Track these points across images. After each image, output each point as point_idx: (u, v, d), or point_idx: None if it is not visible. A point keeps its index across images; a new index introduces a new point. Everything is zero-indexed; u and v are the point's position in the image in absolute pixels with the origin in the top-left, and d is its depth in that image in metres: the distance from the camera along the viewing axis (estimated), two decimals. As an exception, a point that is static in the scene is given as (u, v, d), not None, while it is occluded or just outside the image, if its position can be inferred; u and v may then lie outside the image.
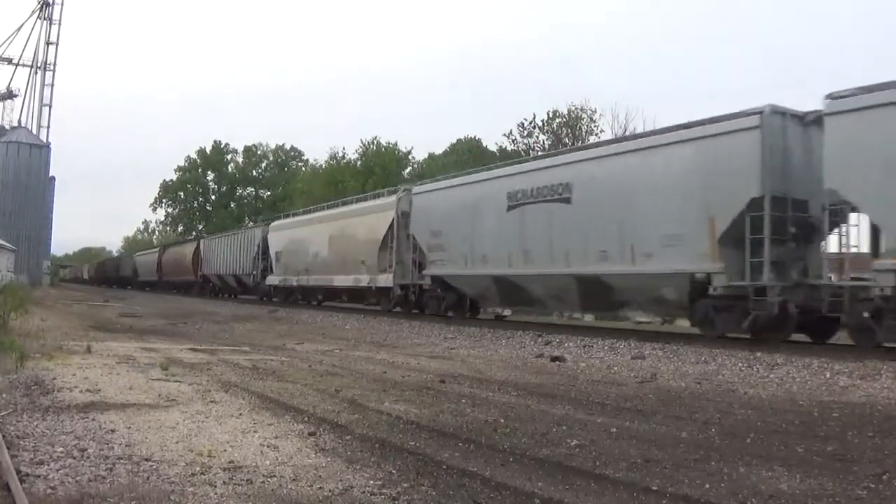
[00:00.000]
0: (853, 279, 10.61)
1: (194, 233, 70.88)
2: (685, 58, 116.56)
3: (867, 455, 4.80)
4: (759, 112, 11.26)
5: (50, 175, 58.71)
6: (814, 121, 11.11)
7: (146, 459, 4.27)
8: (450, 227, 18.28)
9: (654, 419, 6.12)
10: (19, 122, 58.91)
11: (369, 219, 22.76)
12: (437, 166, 54.47)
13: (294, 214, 31.76)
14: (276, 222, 32.52)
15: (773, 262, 11.00)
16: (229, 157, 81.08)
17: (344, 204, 26.82)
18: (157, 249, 56.60)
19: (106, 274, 78.69)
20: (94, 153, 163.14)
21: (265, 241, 32.03)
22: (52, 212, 61.21)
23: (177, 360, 9.56)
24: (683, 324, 16.52)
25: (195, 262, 42.64)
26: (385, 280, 21.19)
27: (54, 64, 58.66)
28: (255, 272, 33.13)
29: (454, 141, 60.62)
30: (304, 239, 27.93)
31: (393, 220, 21.05)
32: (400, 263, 20.66)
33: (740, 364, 9.83)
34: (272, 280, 30.66)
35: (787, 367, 9.35)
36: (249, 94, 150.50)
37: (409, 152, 57.79)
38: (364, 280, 22.38)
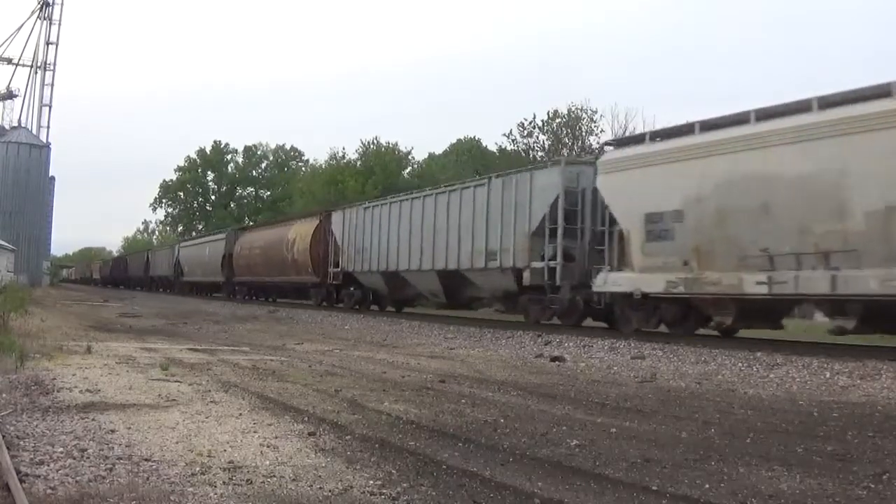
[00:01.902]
0: None
1: (194, 233, 70.62)
2: (685, 58, 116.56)
3: (867, 455, 4.80)
4: None
5: (50, 175, 58.82)
6: None
7: (146, 459, 4.27)
8: None
9: (654, 419, 6.12)
10: (19, 122, 59.10)
11: None
12: (437, 166, 54.56)
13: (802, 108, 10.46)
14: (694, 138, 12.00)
15: None
16: (229, 157, 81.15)
17: None
18: (221, 236, 37.40)
19: (126, 273, 62.01)
20: (94, 153, 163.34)
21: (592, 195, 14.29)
22: (52, 212, 61.31)
23: (177, 361, 9.56)
24: None
25: (318, 253, 24.73)
26: None
27: (54, 64, 58.92)
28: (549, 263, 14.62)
29: (454, 141, 60.74)
30: None
31: None
32: None
33: (740, 364, 9.83)
34: (651, 282, 12.31)
35: (786, 367, 9.35)
36: (249, 94, 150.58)
37: (409, 152, 57.83)
38: None
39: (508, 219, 15.77)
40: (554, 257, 14.49)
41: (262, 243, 30.48)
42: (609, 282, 13.29)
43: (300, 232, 26.58)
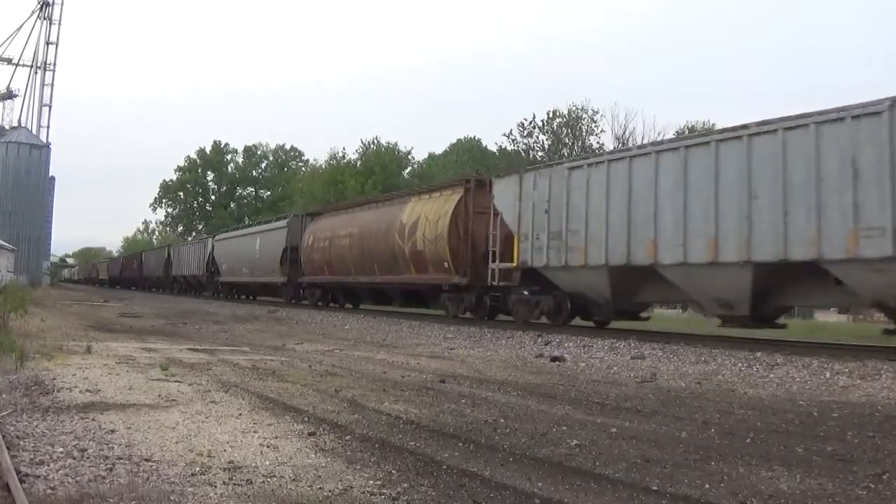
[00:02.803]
0: None
1: (194, 233, 70.54)
2: (685, 58, 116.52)
3: (867, 455, 4.80)
4: None
5: (50, 175, 58.87)
6: None
7: (146, 459, 4.27)
8: None
9: (654, 419, 6.12)
10: (19, 122, 59.23)
11: None
12: (437, 166, 54.61)
13: None
14: None
15: None
16: (229, 157, 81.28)
17: None
18: (281, 224, 28.69)
19: (141, 273, 54.41)
20: (94, 153, 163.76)
21: None
22: (52, 212, 61.33)
23: (177, 361, 9.56)
24: None
25: (463, 242, 17.46)
26: None
27: (54, 64, 59.08)
28: None
29: (454, 141, 60.78)
30: None
31: None
32: None
33: (740, 364, 9.83)
34: None
35: (786, 367, 9.35)
36: (249, 95, 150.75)
37: (409, 152, 57.95)
38: None
39: None
40: None
41: (355, 230, 22.30)
42: None
43: (428, 212, 18.49)
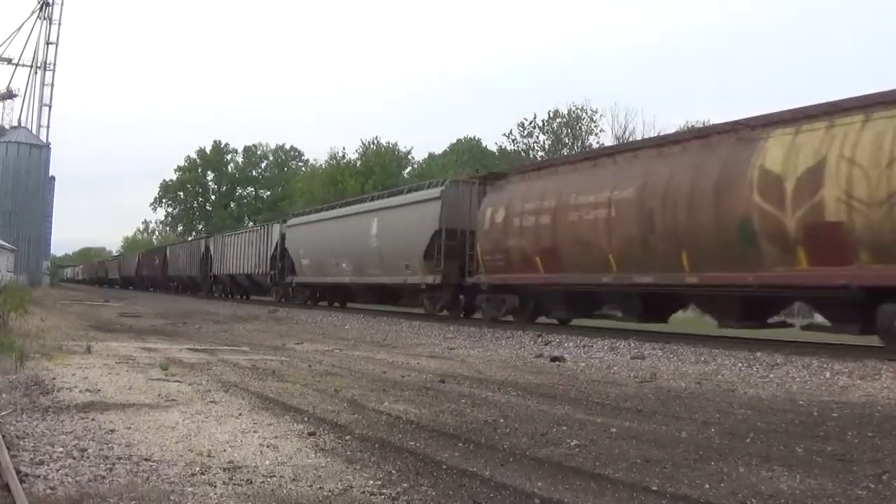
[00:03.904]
0: None
1: (194, 233, 70.48)
2: (685, 58, 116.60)
3: (867, 455, 4.80)
4: None
5: (50, 175, 58.94)
6: None
7: (146, 459, 4.27)
8: None
9: (654, 419, 6.12)
10: (19, 122, 59.28)
11: None
12: (437, 166, 54.61)
13: None
14: None
15: None
16: (229, 157, 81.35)
17: None
18: (431, 193, 18.81)
19: (164, 271, 46.18)
20: (94, 153, 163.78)
21: None
22: (51, 212, 61.38)
23: (176, 360, 9.56)
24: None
25: None
26: None
27: (54, 64, 59.18)
28: None
29: (454, 141, 60.79)
30: None
31: None
32: None
33: (740, 364, 9.83)
34: None
35: (786, 367, 9.35)
36: (250, 95, 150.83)
37: (409, 152, 58.02)
38: None
39: None
40: None
41: (625, 193, 12.71)
42: None
43: (848, 149, 9.57)
